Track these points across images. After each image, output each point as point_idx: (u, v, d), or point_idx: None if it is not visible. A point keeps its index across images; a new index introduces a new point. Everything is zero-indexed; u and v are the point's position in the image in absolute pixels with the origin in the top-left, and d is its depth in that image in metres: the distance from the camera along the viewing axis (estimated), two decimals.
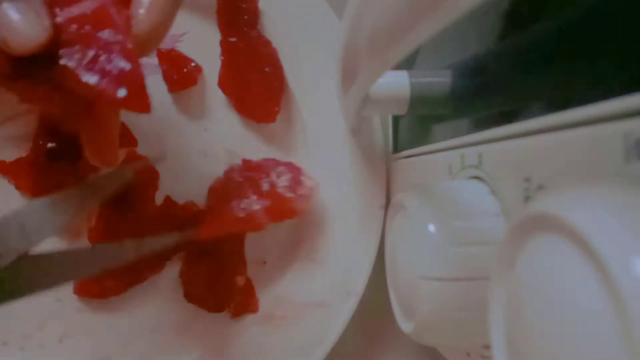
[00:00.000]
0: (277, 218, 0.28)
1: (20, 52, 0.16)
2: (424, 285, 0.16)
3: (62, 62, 0.16)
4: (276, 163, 0.29)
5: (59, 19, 0.17)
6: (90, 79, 0.16)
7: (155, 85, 0.30)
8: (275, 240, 0.30)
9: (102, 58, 0.16)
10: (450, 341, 0.20)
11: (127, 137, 0.29)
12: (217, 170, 0.29)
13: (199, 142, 0.30)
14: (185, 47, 0.30)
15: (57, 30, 0.17)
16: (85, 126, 0.22)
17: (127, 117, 0.30)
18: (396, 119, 0.29)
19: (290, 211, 0.28)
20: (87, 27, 0.17)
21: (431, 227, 0.17)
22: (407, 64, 0.27)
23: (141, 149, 0.30)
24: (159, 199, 0.30)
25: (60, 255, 0.19)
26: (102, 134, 0.22)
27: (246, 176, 0.28)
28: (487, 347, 0.18)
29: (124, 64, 0.16)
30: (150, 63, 0.30)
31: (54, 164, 0.28)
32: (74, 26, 0.17)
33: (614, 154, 0.11)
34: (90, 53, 0.16)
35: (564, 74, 0.15)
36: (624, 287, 0.09)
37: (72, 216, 0.20)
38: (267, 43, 0.29)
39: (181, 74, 0.29)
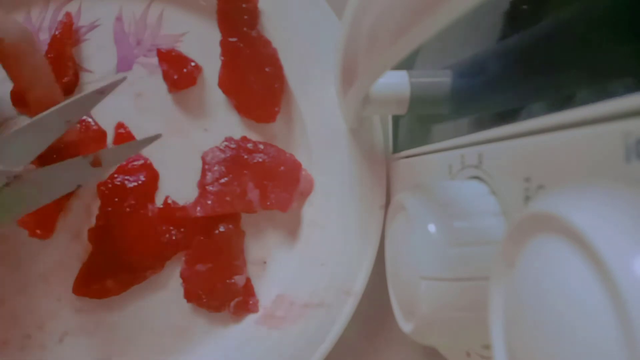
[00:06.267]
0: (268, 206, 0.29)
1: None
2: (424, 285, 0.16)
3: None
4: (278, 151, 0.29)
5: None
6: None
7: (155, 85, 0.30)
8: (275, 240, 0.30)
9: None
10: (450, 341, 0.20)
11: (127, 138, 0.29)
12: None
13: (199, 142, 0.30)
14: (185, 47, 0.30)
15: None
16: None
17: (127, 117, 0.30)
18: (396, 119, 0.29)
19: (283, 202, 0.29)
20: None
21: (431, 227, 0.17)
22: (407, 64, 0.27)
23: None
24: (159, 199, 0.30)
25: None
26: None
27: (243, 159, 0.29)
28: (487, 347, 0.18)
29: None
30: (150, 63, 0.30)
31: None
32: None
33: (614, 154, 0.11)
34: None
35: (564, 74, 0.15)
36: (624, 287, 0.09)
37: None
38: (267, 43, 0.29)
39: (181, 74, 0.29)
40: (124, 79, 0.25)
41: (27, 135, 0.24)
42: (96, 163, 0.25)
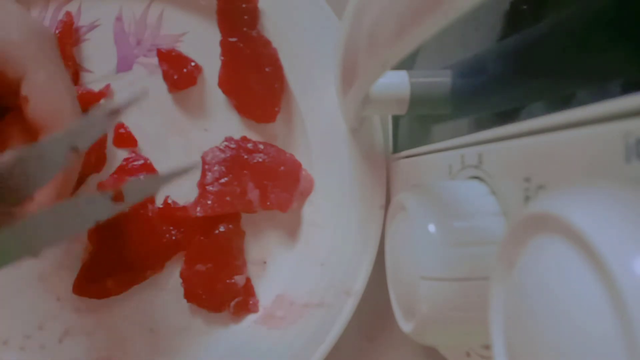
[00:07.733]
0: (268, 206, 0.29)
1: None
2: (424, 285, 0.16)
3: None
4: (278, 151, 0.29)
5: None
6: None
7: (155, 85, 0.30)
8: (275, 240, 0.30)
9: None
10: (450, 341, 0.20)
11: (127, 138, 0.29)
12: None
13: (199, 142, 0.30)
14: (185, 47, 0.30)
15: None
16: None
17: (127, 117, 0.30)
18: (396, 119, 0.29)
19: (283, 202, 0.29)
20: None
21: (431, 227, 0.17)
22: (407, 64, 0.27)
23: (141, 149, 0.30)
24: (159, 199, 0.30)
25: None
26: None
27: (243, 159, 0.29)
28: (487, 347, 0.18)
29: None
30: (150, 63, 0.30)
31: None
32: None
33: (614, 154, 0.11)
34: None
35: (564, 74, 0.15)
36: (624, 287, 0.09)
37: None
38: (267, 43, 0.29)
39: (181, 74, 0.29)
40: (145, 93, 0.23)
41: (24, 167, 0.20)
42: (118, 198, 0.23)
